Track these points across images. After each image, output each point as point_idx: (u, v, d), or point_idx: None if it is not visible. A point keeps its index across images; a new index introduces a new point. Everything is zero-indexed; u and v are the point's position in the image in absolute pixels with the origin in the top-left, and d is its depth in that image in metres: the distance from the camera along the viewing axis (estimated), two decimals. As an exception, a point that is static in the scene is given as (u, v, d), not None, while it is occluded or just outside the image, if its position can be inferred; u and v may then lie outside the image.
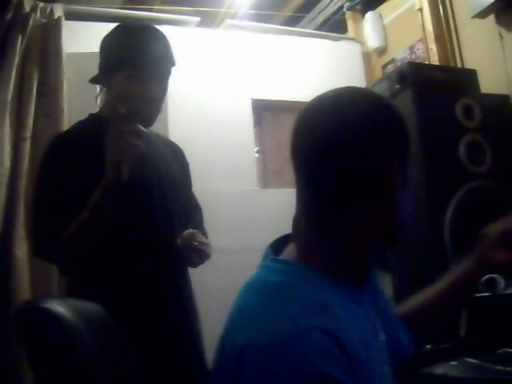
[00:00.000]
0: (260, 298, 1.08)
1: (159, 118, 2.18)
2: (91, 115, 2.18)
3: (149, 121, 2.08)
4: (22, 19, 3.58)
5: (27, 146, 3.40)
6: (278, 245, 1.22)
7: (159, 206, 2.05)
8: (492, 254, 1.54)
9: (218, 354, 1.10)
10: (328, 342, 0.97)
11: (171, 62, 2.13)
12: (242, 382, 0.97)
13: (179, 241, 2.02)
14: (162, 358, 1.95)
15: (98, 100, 2.34)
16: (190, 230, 2.05)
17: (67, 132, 2.14)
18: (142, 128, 1.88)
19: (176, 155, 2.28)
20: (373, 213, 1.12)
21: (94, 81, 2.18)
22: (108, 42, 2.11)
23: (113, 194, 1.84)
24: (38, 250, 2.01)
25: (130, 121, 1.86)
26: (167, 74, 2.11)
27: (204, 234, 2.23)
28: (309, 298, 1.04)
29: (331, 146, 1.11)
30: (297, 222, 1.18)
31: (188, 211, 2.23)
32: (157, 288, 2.00)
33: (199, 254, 2.04)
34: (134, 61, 2.01)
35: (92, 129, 2.04)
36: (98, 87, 2.30)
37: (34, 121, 3.45)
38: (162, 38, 2.11)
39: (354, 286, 1.14)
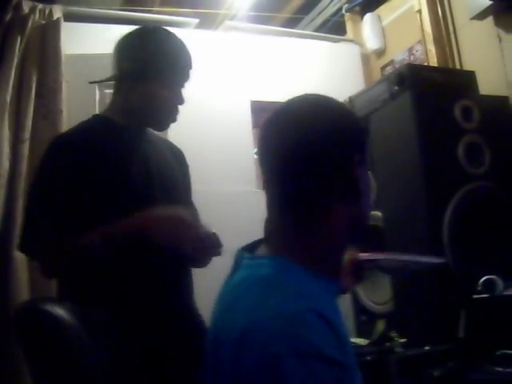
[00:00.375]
0: (251, 291, 1.12)
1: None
2: (95, 116, 2.16)
3: (163, 126, 2.13)
4: (20, 20, 3.58)
5: (26, 148, 3.40)
6: (250, 249, 1.28)
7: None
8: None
9: (210, 351, 1.15)
10: (323, 324, 1.03)
11: (190, 71, 2.17)
12: (242, 367, 1.01)
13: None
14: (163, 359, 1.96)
15: (97, 101, 2.32)
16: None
17: (70, 132, 2.11)
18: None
19: (177, 158, 2.27)
20: (341, 207, 1.19)
21: (110, 80, 2.15)
22: (133, 46, 2.08)
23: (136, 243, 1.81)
24: (23, 243, 1.91)
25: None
26: (187, 79, 2.17)
27: None
28: (296, 286, 1.11)
29: (297, 149, 1.18)
30: (269, 223, 1.26)
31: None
32: (157, 288, 1.96)
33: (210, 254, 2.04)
34: (167, 67, 2.04)
35: (96, 130, 2.02)
36: (97, 89, 2.29)
37: (32, 122, 3.45)
38: (184, 43, 2.17)
39: (328, 278, 1.20)
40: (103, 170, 1.88)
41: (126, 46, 2.09)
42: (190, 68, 2.14)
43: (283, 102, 1.31)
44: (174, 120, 2.11)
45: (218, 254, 2.02)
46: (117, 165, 1.93)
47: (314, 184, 1.18)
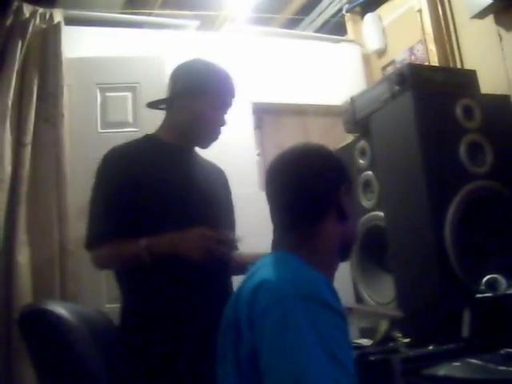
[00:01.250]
0: (264, 268, 1.34)
1: (160, 123, 2.33)
2: (146, 135, 2.36)
3: (206, 144, 2.35)
4: (21, 25, 3.59)
5: (28, 152, 3.41)
6: None
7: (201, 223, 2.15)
8: None
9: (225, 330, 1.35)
10: (330, 289, 1.26)
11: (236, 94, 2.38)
12: (254, 314, 1.19)
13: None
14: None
15: (98, 104, 2.45)
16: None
17: (121, 145, 2.29)
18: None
19: (219, 176, 2.49)
20: (332, 227, 1.48)
21: (163, 101, 2.37)
22: (188, 71, 2.33)
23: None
24: (87, 243, 2.16)
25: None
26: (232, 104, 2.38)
27: None
28: (306, 268, 1.33)
29: (295, 186, 1.50)
30: (276, 240, 1.51)
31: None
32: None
33: None
34: (215, 90, 2.27)
35: (144, 146, 2.27)
36: (98, 93, 2.39)
37: (34, 126, 3.46)
38: (231, 77, 2.36)
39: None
40: (147, 181, 2.11)
41: (181, 70, 2.34)
42: (233, 97, 2.36)
43: (283, 151, 1.58)
44: (216, 139, 2.35)
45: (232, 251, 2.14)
46: (159, 178, 2.15)
47: (308, 211, 1.48)
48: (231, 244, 2.09)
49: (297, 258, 1.37)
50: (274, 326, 1.14)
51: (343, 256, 1.56)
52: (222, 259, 2.04)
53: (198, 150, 2.39)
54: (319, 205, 1.48)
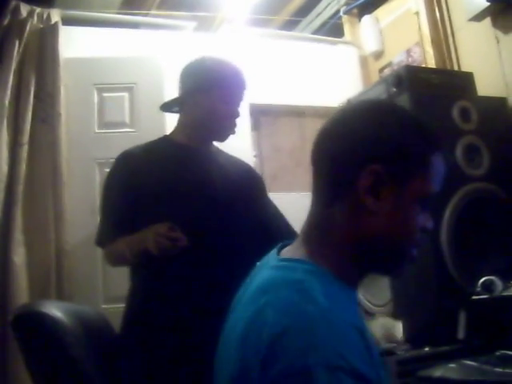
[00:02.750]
0: (286, 294, 1.08)
1: (157, 123, 2.34)
2: (160, 138, 2.42)
3: (223, 138, 2.39)
4: (18, 25, 3.59)
5: (24, 152, 3.40)
6: (278, 250, 1.25)
7: (213, 218, 2.20)
8: None
9: (236, 352, 1.10)
10: (356, 335, 1.02)
11: (246, 87, 2.42)
12: (270, 371, 0.98)
13: None
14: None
15: (96, 104, 2.50)
16: None
17: (132, 147, 2.34)
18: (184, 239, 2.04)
19: (242, 172, 2.47)
20: (353, 217, 1.15)
21: (175, 101, 2.39)
22: (196, 68, 2.36)
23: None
24: (98, 240, 2.26)
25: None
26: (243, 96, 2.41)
27: (293, 233, 2.33)
28: (331, 294, 1.07)
29: (338, 152, 1.16)
30: (307, 222, 1.22)
31: (265, 221, 2.37)
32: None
33: None
34: (225, 83, 2.31)
35: (156, 147, 2.32)
36: (95, 94, 2.43)
37: (31, 126, 3.46)
38: (241, 70, 2.41)
39: (350, 287, 1.17)
40: (152, 182, 2.16)
41: (190, 68, 2.37)
42: (244, 89, 2.39)
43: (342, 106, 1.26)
44: (233, 132, 2.39)
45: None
46: (165, 179, 2.19)
47: (336, 190, 1.16)
48: (180, 240, 2.04)
49: (321, 270, 1.13)
50: None
51: (362, 267, 1.19)
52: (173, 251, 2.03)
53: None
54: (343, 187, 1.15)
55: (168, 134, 2.45)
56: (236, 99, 2.36)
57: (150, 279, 2.13)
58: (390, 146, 1.14)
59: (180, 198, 2.15)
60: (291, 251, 1.22)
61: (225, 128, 2.35)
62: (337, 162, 1.16)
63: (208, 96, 2.28)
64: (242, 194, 2.33)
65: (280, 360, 0.97)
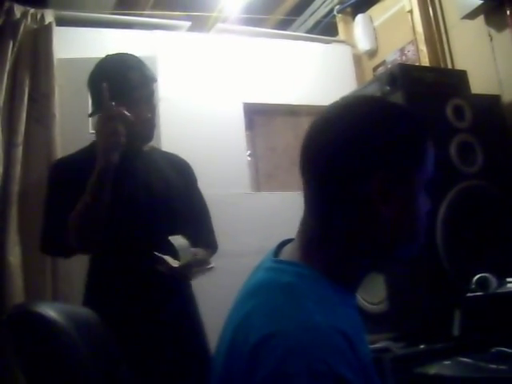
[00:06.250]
0: (273, 297, 1.08)
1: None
2: (93, 142, 2.34)
3: (146, 139, 2.35)
4: (12, 25, 3.58)
5: (19, 152, 3.40)
6: (277, 249, 1.24)
7: (147, 218, 2.25)
8: None
9: (224, 355, 1.11)
10: (341, 341, 1.00)
11: (150, 82, 2.36)
12: (254, 377, 0.97)
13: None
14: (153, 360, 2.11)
15: (89, 105, 2.49)
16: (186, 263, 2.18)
17: (65, 156, 2.44)
18: (126, 112, 2.11)
19: (177, 169, 2.47)
20: (359, 221, 1.13)
21: (92, 115, 2.40)
22: (93, 78, 2.33)
23: (108, 178, 2.07)
24: (44, 245, 2.29)
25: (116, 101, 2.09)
26: (150, 93, 2.35)
27: (212, 242, 2.47)
28: (321, 299, 1.07)
29: (331, 150, 1.14)
30: (302, 223, 1.20)
31: (191, 221, 2.40)
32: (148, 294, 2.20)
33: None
34: (118, 93, 2.17)
35: (88, 154, 2.26)
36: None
37: (25, 127, 3.45)
38: (135, 64, 2.34)
39: (347, 290, 1.17)
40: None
41: (96, 72, 2.34)
42: (142, 87, 2.31)
43: (332, 102, 1.23)
44: (147, 136, 2.35)
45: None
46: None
47: (334, 190, 1.14)
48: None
49: (316, 273, 1.12)
50: None
51: (366, 267, 1.20)
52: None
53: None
54: (345, 191, 1.13)
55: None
56: (138, 102, 2.27)
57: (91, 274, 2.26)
58: (395, 149, 1.14)
59: (116, 200, 2.16)
60: (288, 252, 1.21)
61: (138, 133, 2.28)
62: (338, 166, 1.13)
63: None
64: (182, 192, 2.40)
65: (263, 366, 0.97)
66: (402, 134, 1.16)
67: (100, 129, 2.09)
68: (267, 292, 1.10)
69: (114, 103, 2.08)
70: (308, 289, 1.08)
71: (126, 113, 2.11)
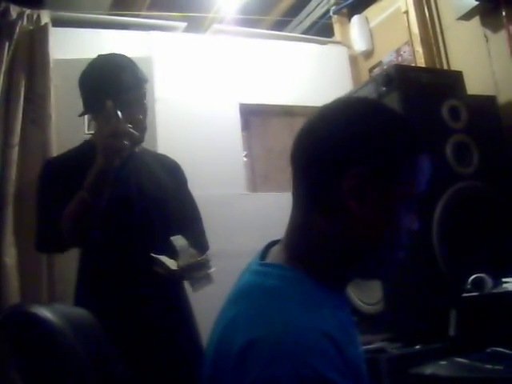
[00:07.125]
0: (258, 302, 1.07)
1: (147, 123, 2.31)
2: (85, 142, 2.42)
3: (138, 141, 2.29)
4: (8, 26, 3.58)
5: (15, 153, 3.40)
6: (264, 250, 1.24)
7: (140, 220, 2.27)
8: None
9: (211, 358, 1.10)
10: (327, 343, 0.99)
11: (142, 83, 2.35)
12: (241, 382, 0.97)
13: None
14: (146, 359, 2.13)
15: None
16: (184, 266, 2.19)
17: (56, 156, 2.46)
18: (133, 131, 2.12)
19: (168, 170, 2.48)
20: (336, 220, 1.12)
21: (82, 114, 2.39)
22: (85, 80, 2.34)
23: (108, 178, 2.08)
24: (39, 242, 2.31)
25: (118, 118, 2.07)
26: (142, 94, 2.34)
27: (203, 243, 2.44)
28: (306, 301, 1.06)
29: (318, 153, 1.15)
30: (289, 222, 1.20)
31: (183, 222, 2.40)
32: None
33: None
34: (110, 94, 2.16)
35: (79, 153, 2.34)
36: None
37: (21, 127, 3.45)
38: (128, 65, 2.33)
39: (334, 291, 1.15)
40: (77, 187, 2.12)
41: (86, 75, 2.35)
42: (134, 88, 2.30)
43: (325, 104, 1.23)
44: (144, 128, 2.32)
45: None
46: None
47: (316, 191, 1.14)
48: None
49: (302, 276, 1.11)
50: None
51: (346, 271, 1.17)
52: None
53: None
54: (321, 193, 1.13)
55: (91, 137, 2.45)
56: (131, 104, 2.25)
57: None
58: (373, 147, 1.12)
59: (109, 201, 2.16)
60: (274, 254, 1.20)
61: (136, 130, 2.22)
62: (317, 163, 1.14)
63: (101, 107, 2.17)
64: (173, 193, 2.42)
65: (248, 372, 0.96)
66: (379, 133, 1.13)
67: (107, 145, 2.05)
68: (252, 296, 1.10)
69: (111, 102, 2.08)
70: (292, 292, 1.08)
71: (133, 131, 2.11)
